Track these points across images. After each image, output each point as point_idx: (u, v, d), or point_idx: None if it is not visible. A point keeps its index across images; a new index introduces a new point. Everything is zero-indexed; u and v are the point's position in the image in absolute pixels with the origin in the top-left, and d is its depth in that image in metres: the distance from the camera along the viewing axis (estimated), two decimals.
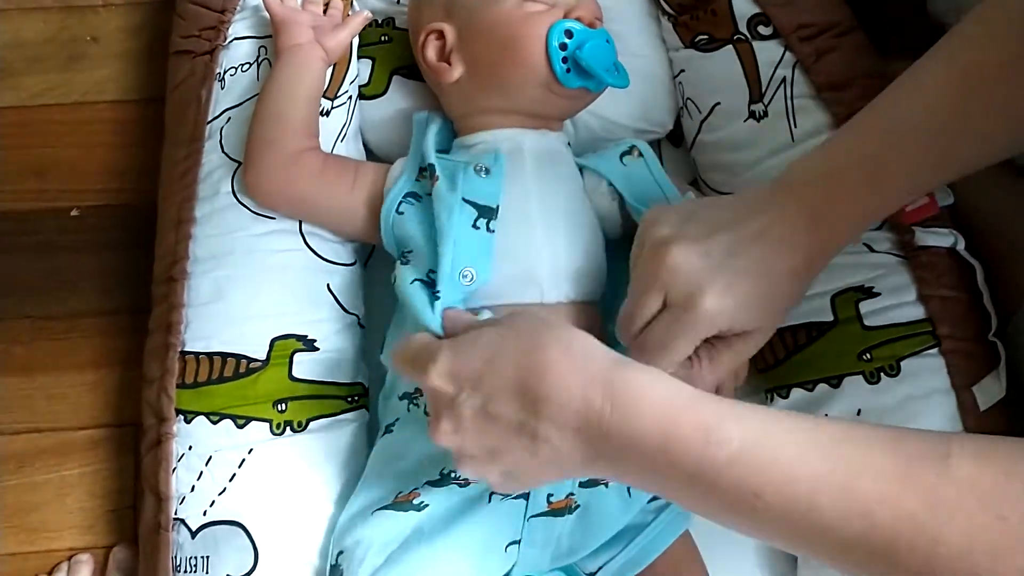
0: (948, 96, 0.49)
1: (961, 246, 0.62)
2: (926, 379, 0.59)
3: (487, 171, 0.59)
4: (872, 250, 0.63)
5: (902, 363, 0.59)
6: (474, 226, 0.58)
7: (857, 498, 0.37)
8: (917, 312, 0.60)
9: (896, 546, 0.37)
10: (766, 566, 0.64)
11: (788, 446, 0.39)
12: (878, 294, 0.61)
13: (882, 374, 0.60)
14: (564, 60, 0.60)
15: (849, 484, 0.38)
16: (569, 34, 0.59)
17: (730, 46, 0.67)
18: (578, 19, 0.60)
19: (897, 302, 0.61)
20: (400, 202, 0.61)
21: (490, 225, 0.58)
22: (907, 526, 0.37)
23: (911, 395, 0.59)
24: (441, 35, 0.63)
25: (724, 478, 0.39)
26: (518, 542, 0.58)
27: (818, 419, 0.43)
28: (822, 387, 0.62)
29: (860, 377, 0.60)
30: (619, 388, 0.41)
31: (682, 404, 0.41)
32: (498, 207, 0.58)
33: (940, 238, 0.62)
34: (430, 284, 0.57)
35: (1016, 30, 0.47)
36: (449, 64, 0.63)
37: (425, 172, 0.62)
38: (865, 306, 0.61)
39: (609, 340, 0.61)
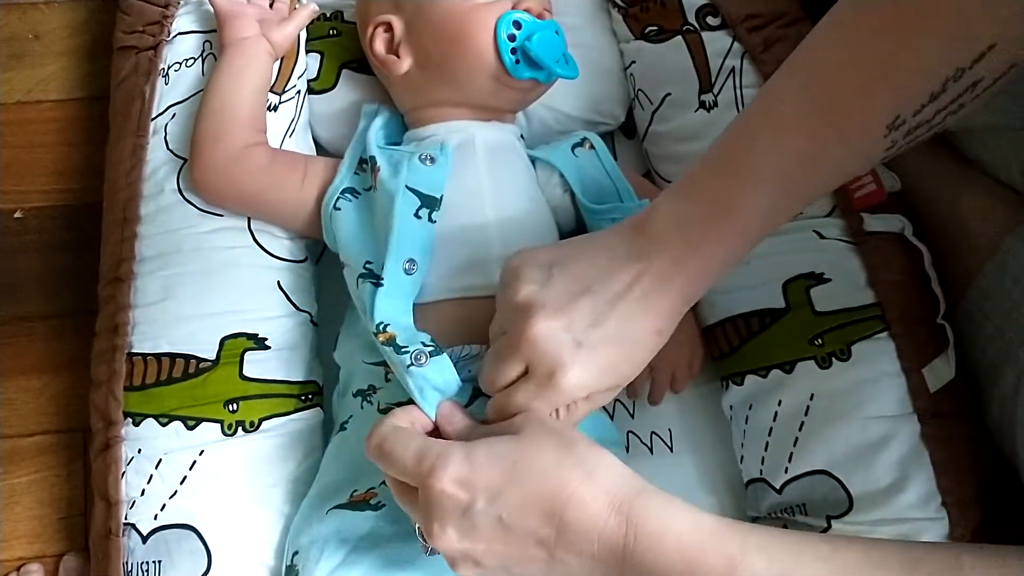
0: (803, 130, 0.46)
1: (909, 231, 0.64)
2: (876, 362, 0.60)
3: (432, 160, 0.59)
4: (822, 236, 0.64)
5: (853, 347, 0.60)
6: (416, 215, 0.57)
7: None
8: (867, 297, 0.61)
9: None
10: None
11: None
12: (828, 280, 0.62)
13: (833, 358, 0.61)
14: (513, 51, 0.59)
15: None
16: (517, 25, 0.59)
17: (679, 37, 0.68)
18: (526, 10, 0.60)
19: (847, 287, 0.62)
20: (337, 198, 0.60)
21: (432, 216, 0.57)
22: None
23: (862, 378, 0.60)
24: (389, 27, 0.63)
25: None
26: None
27: (835, 544, 0.43)
28: (775, 373, 0.62)
29: (812, 362, 0.61)
30: (642, 517, 0.42)
31: (706, 534, 0.42)
32: (441, 197, 0.58)
33: (888, 223, 0.63)
34: (371, 275, 0.57)
35: (875, 46, 0.44)
36: (398, 56, 0.62)
37: (366, 164, 0.61)
38: (816, 292, 0.62)
39: None
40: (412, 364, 0.53)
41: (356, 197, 0.60)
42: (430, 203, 0.57)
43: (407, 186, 0.57)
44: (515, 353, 0.48)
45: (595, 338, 0.47)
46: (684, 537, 0.42)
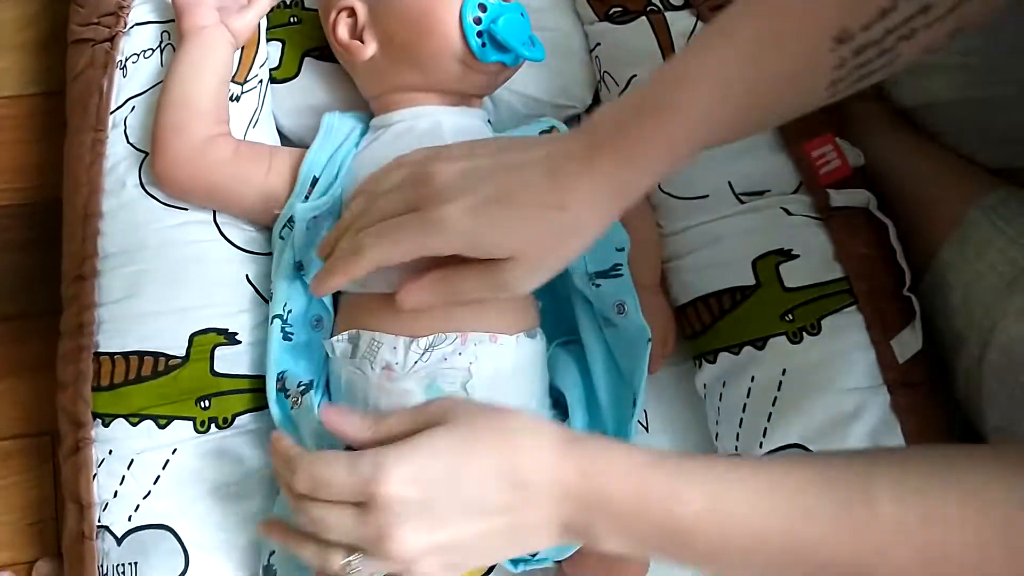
0: (746, 32, 0.46)
1: (874, 205, 0.64)
2: (846, 335, 0.60)
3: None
4: (789, 213, 0.64)
5: (822, 321, 0.61)
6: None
7: (802, 543, 0.42)
8: (835, 271, 0.62)
9: None
10: None
11: (741, 503, 0.43)
12: (797, 256, 0.63)
13: (804, 333, 0.61)
14: (479, 35, 0.59)
15: (794, 531, 0.42)
16: (483, 8, 0.59)
17: (643, 18, 0.68)
18: None
19: (815, 263, 0.62)
20: (283, 226, 0.60)
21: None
22: (847, 565, 0.41)
23: (833, 352, 0.60)
24: (352, 12, 0.62)
25: (694, 535, 0.43)
26: None
27: (759, 464, 0.46)
28: (747, 350, 0.63)
29: (783, 338, 0.62)
30: (589, 457, 0.45)
31: (648, 468, 0.45)
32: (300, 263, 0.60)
33: (854, 199, 0.64)
34: (284, 322, 0.59)
35: None
36: (362, 42, 0.61)
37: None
38: (785, 268, 0.63)
39: (541, 316, 0.61)
40: (293, 407, 0.57)
41: (292, 230, 0.60)
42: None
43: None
44: (398, 169, 0.50)
45: (487, 190, 0.48)
46: (627, 475, 0.44)
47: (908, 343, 0.61)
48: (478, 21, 0.59)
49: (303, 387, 0.58)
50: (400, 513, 0.44)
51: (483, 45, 0.59)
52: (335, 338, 0.58)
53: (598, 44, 0.71)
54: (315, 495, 0.45)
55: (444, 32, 0.59)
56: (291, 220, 0.59)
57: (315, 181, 0.61)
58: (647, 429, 0.68)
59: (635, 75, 0.68)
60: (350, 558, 0.45)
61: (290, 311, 0.60)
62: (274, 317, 0.59)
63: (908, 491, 0.41)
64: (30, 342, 0.70)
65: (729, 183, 0.66)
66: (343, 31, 0.62)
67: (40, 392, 0.68)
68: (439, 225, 0.48)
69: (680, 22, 0.67)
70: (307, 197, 0.60)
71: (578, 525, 0.45)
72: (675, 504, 0.43)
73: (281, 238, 0.60)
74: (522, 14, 0.61)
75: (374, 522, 0.44)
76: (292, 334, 0.60)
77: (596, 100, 0.73)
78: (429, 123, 0.61)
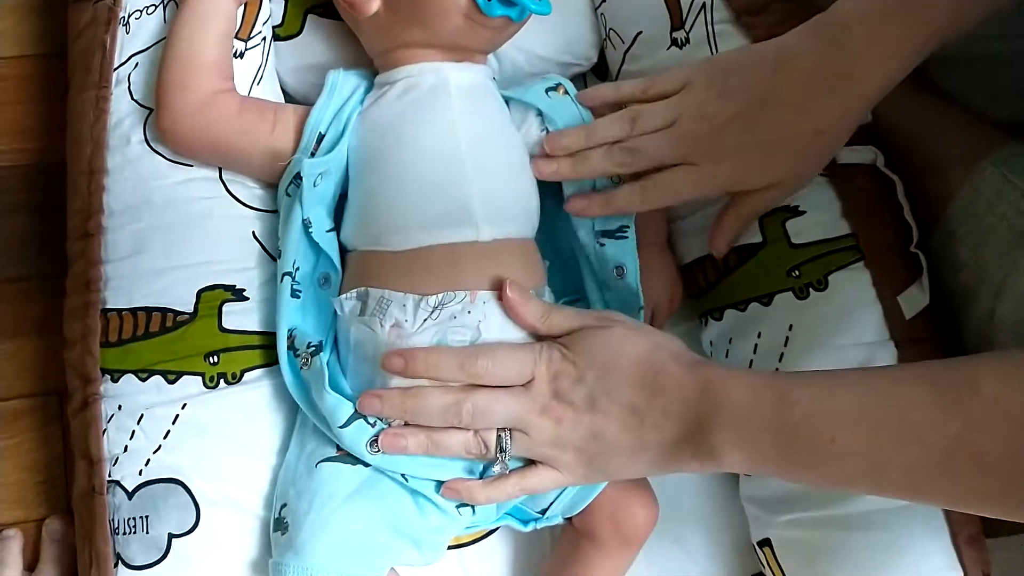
0: None
1: (881, 162, 0.64)
2: (853, 292, 0.60)
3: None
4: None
5: (829, 277, 0.61)
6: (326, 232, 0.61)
7: (910, 428, 0.45)
8: (842, 228, 0.62)
9: (949, 463, 0.44)
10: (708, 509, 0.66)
11: (847, 398, 0.47)
12: (804, 212, 0.62)
13: (811, 289, 0.61)
14: None
15: (902, 417, 0.45)
16: None
17: None
18: None
19: (822, 219, 0.62)
20: (289, 183, 0.60)
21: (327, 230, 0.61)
22: (955, 445, 0.44)
23: (839, 308, 0.61)
24: None
25: (802, 431, 0.47)
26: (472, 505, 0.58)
27: (863, 370, 0.52)
28: (754, 306, 0.63)
29: (790, 294, 0.62)
30: (709, 372, 0.51)
31: (757, 379, 0.50)
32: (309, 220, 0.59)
33: (861, 155, 0.64)
34: (293, 279, 0.59)
35: None
36: None
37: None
38: (792, 225, 0.63)
39: (548, 276, 0.61)
40: (302, 367, 0.58)
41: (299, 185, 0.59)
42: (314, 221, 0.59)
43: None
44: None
45: (747, 141, 0.55)
46: (743, 380, 0.50)
47: (915, 299, 0.61)
48: None
49: (313, 348, 0.58)
50: (562, 391, 0.52)
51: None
52: (344, 296, 0.58)
53: (603, 1, 0.70)
54: (486, 378, 0.53)
55: None
56: (297, 177, 0.59)
57: (321, 138, 0.61)
58: None
59: (640, 32, 0.67)
60: (503, 435, 0.53)
61: (298, 268, 0.60)
62: (284, 274, 0.59)
63: (1010, 377, 0.44)
64: (36, 303, 0.70)
65: None
66: None
67: (47, 352, 0.68)
68: (711, 180, 0.58)
69: None
70: (313, 153, 0.60)
71: (695, 437, 0.50)
72: (785, 405, 0.48)
73: (287, 195, 0.60)
74: None
75: (538, 398, 0.52)
76: (300, 291, 0.60)
77: (601, 58, 0.72)
78: (434, 80, 0.60)
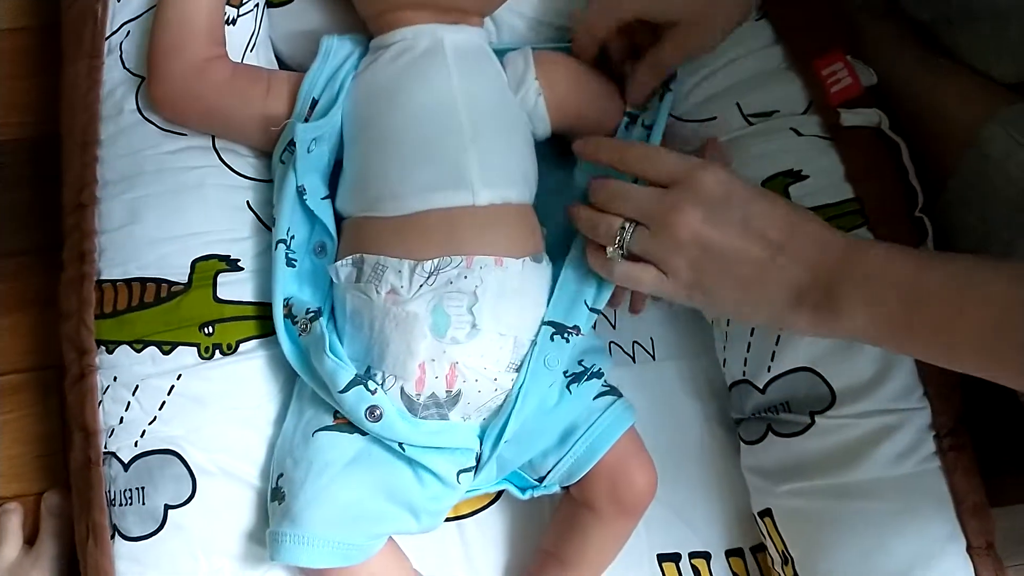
0: None
1: (885, 125, 0.63)
2: None
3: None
4: (799, 134, 0.63)
5: None
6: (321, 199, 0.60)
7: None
8: (845, 192, 0.61)
9: None
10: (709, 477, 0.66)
11: (985, 276, 0.47)
12: (807, 176, 0.61)
13: None
14: None
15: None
16: None
17: None
18: None
19: (826, 183, 0.61)
20: (284, 149, 0.59)
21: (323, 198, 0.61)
22: None
23: None
24: None
25: (933, 297, 0.47)
26: (470, 470, 0.57)
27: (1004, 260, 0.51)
28: None
29: None
30: (853, 242, 0.51)
31: (892, 250, 0.50)
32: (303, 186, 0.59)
33: (865, 118, 0.63)
34: (288, 247, 0.59)
35: None
36: None
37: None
38: (795, 189, 0.61)
39: (547, 242, 0.60)
40: (301, 334, 0.58)
41: (293, 153, 0.58)
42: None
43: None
44: None
45: None
46: (883, 247, 0.51)
47: None
48: None
49: (311, 314, 0.57)
50: (700, 197, 0.52)
51: None
52: (339, 262, 0.57)
53: None
54: (641, 167, 0.55)
55: None
56: (291, 143, 0.58)
57: (314, 103, 0.60)
58: (653, 356, 0.68)
59: None
60: (627, 225, 0.54)
61: (293, 237, 0.59)
62: (278, 242, 0.58)
63: None
64: (33, 277, 0.69)
65: (737, 104, 0.64)
66: None
67: (44, 326, 0.68)
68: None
69: None
70: (307, 119, 0.59)
71: (823, 284, 0.50)
72: (922, 269, 0.48)
73: (282, 162, 0.59)
74: None
75: (674, 197, 0.53)
76: (296, 260, 0.59)
77: None
78: (429, 42, 0.59)
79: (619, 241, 0.54)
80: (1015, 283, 0.46)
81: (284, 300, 0.58)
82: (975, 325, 0.46)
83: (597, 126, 0.64)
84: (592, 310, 0.58)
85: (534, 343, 0.57)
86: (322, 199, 0.59)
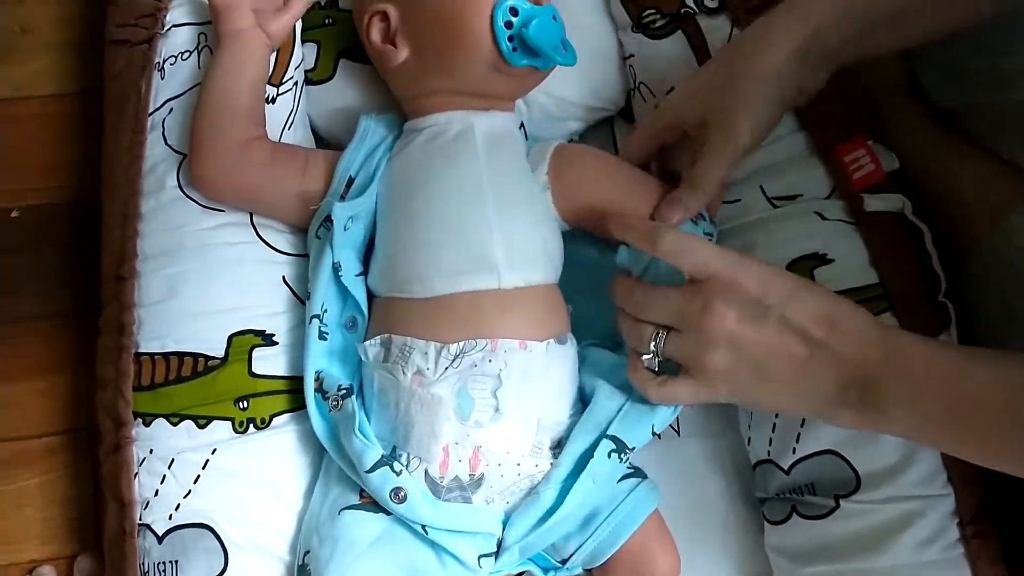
0: None
1: (909, 210, 0.64)
2: None
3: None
4: (824, 218, 0.64)
5: None
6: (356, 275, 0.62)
7: None
8: (870, 276, 0.61)
9: None
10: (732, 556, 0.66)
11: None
12: (832, 260, 0.62)
13: None
14: (510, 39, 0.59)
15: None
16: (514, 12, 0.58)
17: (679, 32, 0.67)
18: None
19: (851, 267, 0.62)
20: (320, 225, 0.61)
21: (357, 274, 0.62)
22: None
23: None
24: (385, 16, 0.62)
25: (981, 400, 0.47)
26: (491, 555, 0.58)
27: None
28: None
29: None
30: (892, 335, 0.50)
31: (942, 345, 0.51)
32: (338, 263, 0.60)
33: (888, 203, 0.64)
34: (321, 322, 0.60)
35: None
36: (395, 46, 0.61)
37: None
38: (820, 273, 0.62)
39: (572, 322, 0.61)
40: (331, 410, 0.58)
41: (331, 228, 0.60)
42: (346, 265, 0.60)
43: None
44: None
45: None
46: (925, 341, 0.50)
47: None
48: (509, 25, 0.58)
49: (343, 391, 0.58)
50: (732, 297, 0.51)
51: (514, 49, 0.59)
52: (368, 342, 0.58)
53: (632, 55, 0.70)
54: (674, 258, 0.53)
55: (475, 36, 0.59)
56: (327, 219, 0.60)
57: (351, 181, 0.61)
58: (678, 433, 0.68)
59: (672, 88, 0.67)
60: (660, 333, 0.53)
61: (326, 311, 0.60)
62: (312, 317, 0.60)
63: None
64: (67, 339, 0.71)
65: (761, 187, 0.65)
66: (376, 35, 0.62)
67: (79, 388, 0.69)
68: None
69: (717, 31, 0.66)
70: (343, 197, 0.61)
71: (866, 383, 0.49)
72: (968, 371, 0.47)
73: (317, 237, 0.61)
74: (554, 17, 0.61)
75: (706, 296, 0.51)
76: (327, 334, 0.60)
77: (628, 106, 0.73)
78: (460, 127, 0.61)
79: (653, 348, 0.54)
80: None
81: (316, 373, 0.60)
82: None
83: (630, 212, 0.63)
84: (654, 434, 0.59)
85: (590, 454, 0.57)
86: (356, 276, 0.61)
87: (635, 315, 0.55)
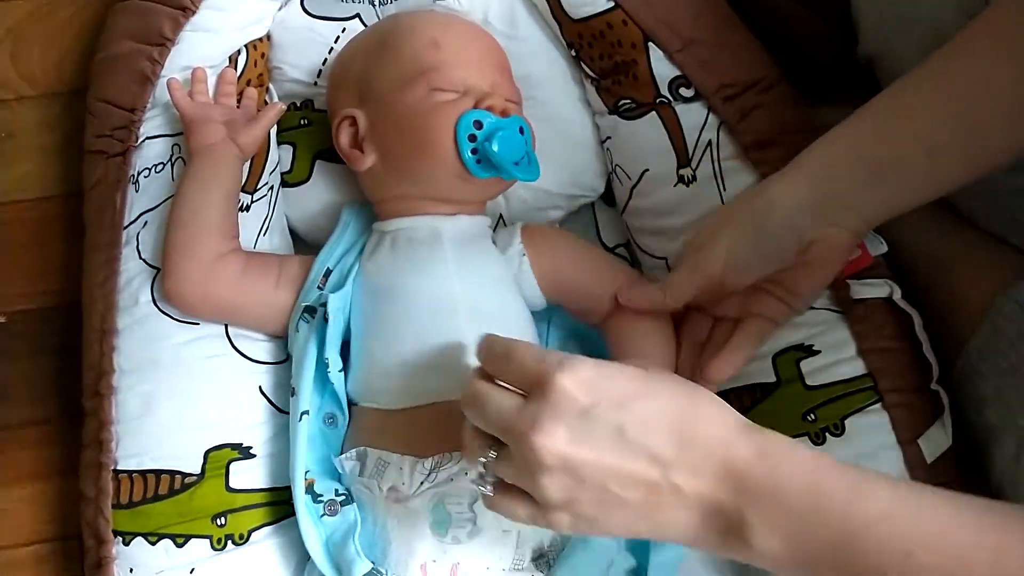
0: (952, 115, 0.51)
1: (897, 295, 0.62)
2: (871, 436, 0.58)
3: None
4: (810, 307, 0.62)
5: (846, 421, 0.59)
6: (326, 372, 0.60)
7: (1010, 569, 0.38)
8: (858, 368, 0.60)
9: None
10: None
11: (940, 508, 0.40)
12: (818, 352, 0.61)
13: (827, 434, 0.59)
14: (474, 151, 0.58)
15: (1003, 551, 0.38)
16: (479, 124, 0.58)
17: (654, 112, 0.66)
18: (489, 108, 0.59)
19: (837, 359, 0.60)
20: (299, 319, 0.60)
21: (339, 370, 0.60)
22: None
23: (858, 454, 0.58)
24: (354, 121, 0.62)
25: (873, 535, 0.39)
26: None
27: (953, 492, 0.42)
28: None
29: (806, 439, 0.60)
30: (766, 444, 0.42)
31: (828, 463, 0.42)
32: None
33: (875, 289, 0.62)
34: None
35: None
36: (362, 152, 0.62)
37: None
38: (806, 365, 0.61)
39: None
40: (325, 514, 0.57)
41: (313, 318, 0.59)
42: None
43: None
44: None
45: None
46: (808, 461, 0.41)
47: (936, 441, 0.59)
48: (473, 138, 0.58)
49: (343, 496, 0.57)
50: (561, 409, 0.42)
51: (478, 161, 0.59)
52: (344, 455, 0.58)
53: (608, 137, 0.70)
54: (499, 370, 0.45)
55: (439, 147, 0.59)
56: (306, 311, 0.60)
57: (328, 272, 0.61)
58: None
59: (647, 169, 0.67)
60: (489, 453, 0.45)
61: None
62: (302, 414, 0.58)
63: None
64: (56, 446, 0.70)
65: None
66: (344, 139, 0.62)
67: (68, 495, 0.69)
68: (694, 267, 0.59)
69: (691, 115, 0.66)
70: (321, 287, 0.61)
71: (729, 512, 0.41)
72: (858, 501, 0.40)
73: (296, 330, 0.60)
74: (522, 129, 0.60)
75: (533, 409, 0.42)
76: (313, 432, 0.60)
77: (608, 190, 0.72)
78: (427, 232, 0.61)
79: (484, 465, 0.46)
80: (972, 524, 0.39)
81: (305, 473, 0.58)
82: (924, 570, 0.39)
83: (591, 298, 0.63)
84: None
85: None
86: (339, 371, 0.60)
87: (472, 420, 0.46)
